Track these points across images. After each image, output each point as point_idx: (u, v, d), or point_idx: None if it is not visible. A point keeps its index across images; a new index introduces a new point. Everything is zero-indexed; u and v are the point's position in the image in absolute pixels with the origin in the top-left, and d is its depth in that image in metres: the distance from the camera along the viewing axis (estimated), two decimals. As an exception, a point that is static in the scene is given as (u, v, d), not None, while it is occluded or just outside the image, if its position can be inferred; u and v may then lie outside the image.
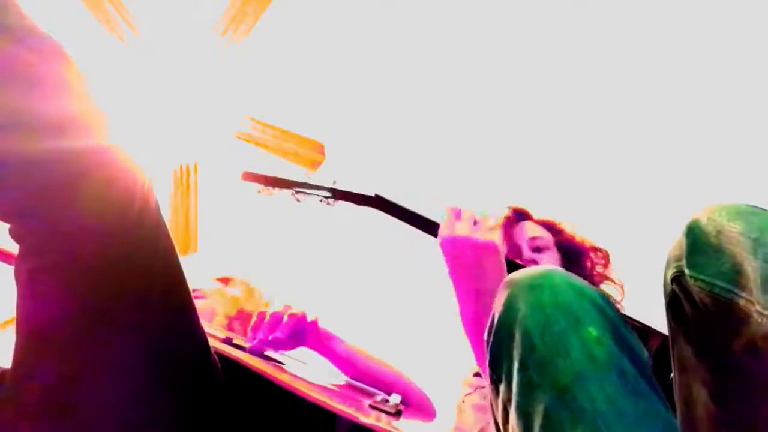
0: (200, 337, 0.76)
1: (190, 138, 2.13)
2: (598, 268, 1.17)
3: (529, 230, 1.15)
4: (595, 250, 1.18)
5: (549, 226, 1.19)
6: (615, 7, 1.91)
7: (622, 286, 1.15)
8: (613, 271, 1.17)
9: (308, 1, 2.09)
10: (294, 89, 2.23)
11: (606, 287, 1.15)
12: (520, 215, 1.20)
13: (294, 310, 1.07)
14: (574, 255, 1.15)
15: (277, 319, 1.05)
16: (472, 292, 0.77)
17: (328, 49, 2.17)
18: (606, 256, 1.18)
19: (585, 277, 1.12)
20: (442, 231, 0.84)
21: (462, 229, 0.81)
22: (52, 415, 0.64)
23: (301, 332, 1.07)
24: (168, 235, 0.71)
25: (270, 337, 1.03)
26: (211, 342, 0.79)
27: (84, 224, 0.61)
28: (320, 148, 2.07)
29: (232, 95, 2.09)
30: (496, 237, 0.82)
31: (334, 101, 2.25)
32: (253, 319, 1.08)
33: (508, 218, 1.18)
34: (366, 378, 1.11)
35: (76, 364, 0.64)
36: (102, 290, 0.63)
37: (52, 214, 0.60)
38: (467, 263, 0.79)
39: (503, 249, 0.82)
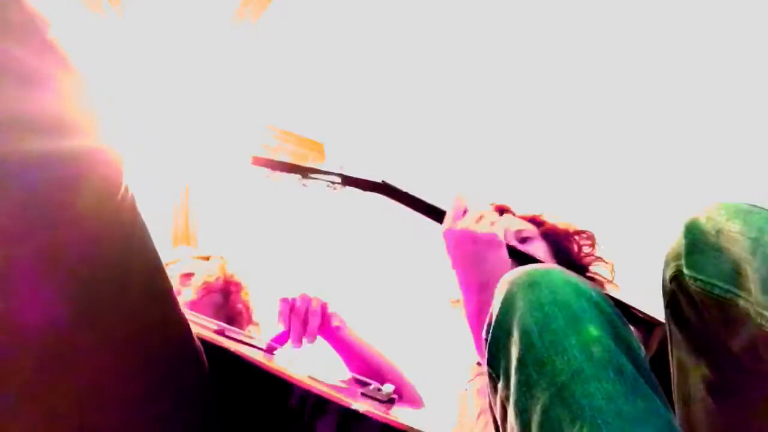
0: (182, 324, 0.75)
1: (190, 137, 2.13)
2: (586, 249, 1.17)
3: (514, 224, 1.16)
4: (579, 233, 1.18)
5: (531, 220, 1.20)
6: (612, 8, 1.91)
7: (612, 266, 1.16)
8: (601, 251, 1.17)
9: (309, 1, 2.09)
10: (294, 89, 2.23)
11: (596, 268, 1.16)
12: (501, 212, 1.21)
13: (306, 302, 1.09)
14: (559, 241, 1.16)
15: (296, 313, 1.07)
16: (474, 284, 0.78)
17: (327, 49, 2.17)
18: (591, 237, 1.18)
19: (575, 261, 1.14)
20: (446, 224, 0.85)
21: (464, 223, 0.83)
22: (42, 404, 0.63)
23: (311, 322, 1.08)
24: (143, 224, 0.70)
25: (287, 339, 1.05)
26: (199, 330, 0.79)
27: (63, 213, 0.60)
28: (320, 148, 2.07)
29: (232, 95, 2.09)
30: (499, 231, 0.83)
31: (334, 101, 2.25)
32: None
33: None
34: (365, 368, 1.11)
35: (56, 353, 0.63)
36: (81, 278, 0.62)
37: (31, 203, 0.59)
38: (469, 256, 0.81)
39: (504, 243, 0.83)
